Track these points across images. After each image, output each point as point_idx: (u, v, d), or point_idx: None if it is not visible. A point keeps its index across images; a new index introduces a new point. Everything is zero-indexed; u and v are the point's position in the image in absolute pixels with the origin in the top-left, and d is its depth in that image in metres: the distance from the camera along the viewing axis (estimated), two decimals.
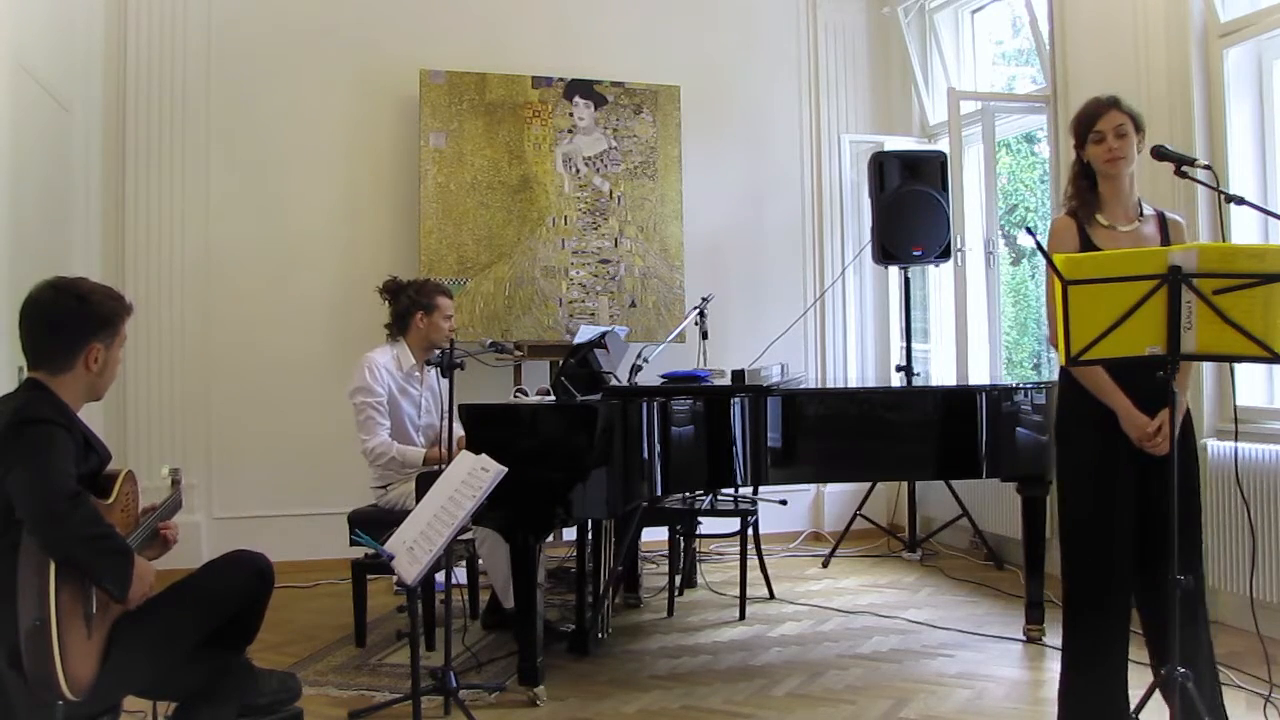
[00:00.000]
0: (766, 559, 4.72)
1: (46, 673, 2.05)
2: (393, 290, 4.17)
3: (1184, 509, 2.53)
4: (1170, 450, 2.35)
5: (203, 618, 2.42)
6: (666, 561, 4.58)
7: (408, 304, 4.11)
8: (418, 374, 4.14)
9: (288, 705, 2.70)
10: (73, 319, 2.29)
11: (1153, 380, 2.31)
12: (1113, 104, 2.66)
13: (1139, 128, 2.66)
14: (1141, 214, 2.70)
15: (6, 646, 2.09)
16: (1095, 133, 2.65)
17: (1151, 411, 2.54)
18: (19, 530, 2.09)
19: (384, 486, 4.02)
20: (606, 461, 3.26)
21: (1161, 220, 2.70)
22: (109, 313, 2.34)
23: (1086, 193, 2.71)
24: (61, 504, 2.08)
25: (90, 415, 2.42)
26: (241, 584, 2.51)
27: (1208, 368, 3.85)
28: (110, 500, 2.31)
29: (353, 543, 3.59)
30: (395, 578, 2.87)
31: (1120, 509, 2.59)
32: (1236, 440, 2.81)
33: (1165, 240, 2.66)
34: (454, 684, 3.06)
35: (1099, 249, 2.61)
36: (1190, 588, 2.30)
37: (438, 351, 3.79)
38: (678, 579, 4.50)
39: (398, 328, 4.15)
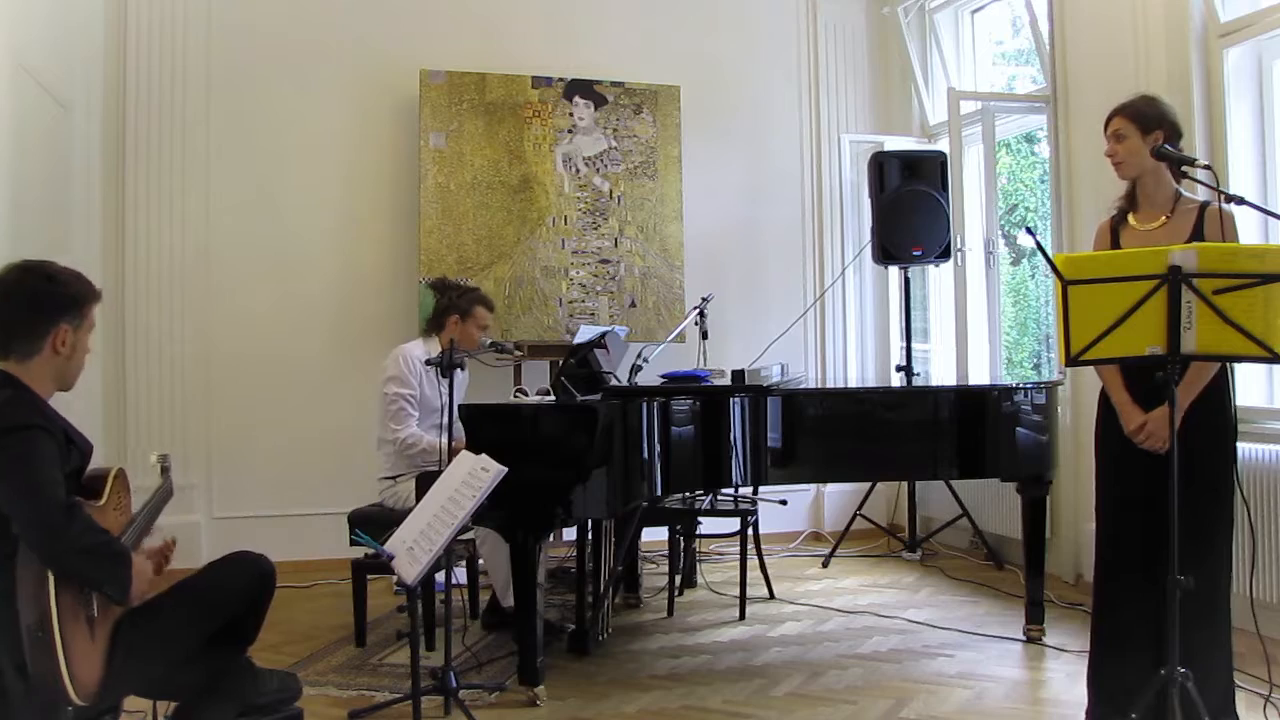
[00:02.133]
0: (766, 559, 4.72)
1: (53, 680, 2.03)
2: (440, 287, 4.24)
3: (1206, 510, 2.54)
4: (1172, 449, 2.35)
5: (204, 618, 2.41)
6: (666, 561, 4.58)
7: (447, 304, 4.16)
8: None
9: (288, 705, 2.69)
10: (40, 298, 2.26)
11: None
12: (1117, 110, 2.70)
13: (1147, 128, 2.65)
14: (1173, 209, 2.67)
15: (11, 655, 2.07)
16: (1107, 138, 2.71)
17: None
18: (14, 540, 2.07)
19: (393, 478, 4.02)
20: (606, 461, 3.26)
21: (1201, 212, 2.65)
22: (76, 294, 2.31)
23: (1130, 194, 2.75)
24: (57, 516, 2.05)
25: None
26: (243, 585, 2.50)
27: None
28: (102, 502, 2.28)
29: (353, 543, 3.60)
30: (395, 578, 2.87)
31: (1132, 502, 2.61)
32: (1236, 440, 2.80)
33: (1197, 234, 2.61)
34: (454, 684, 3.06)
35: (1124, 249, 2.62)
36: (1190, 588, 2.30)
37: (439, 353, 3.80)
38: (678, 579, 4.50)
39: (434, 325, 4.18)
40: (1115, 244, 2.71)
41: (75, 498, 2.15)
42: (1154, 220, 2.69)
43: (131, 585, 2.18)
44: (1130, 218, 2.72)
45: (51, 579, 2.05)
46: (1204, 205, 2.67)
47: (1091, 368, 2.73)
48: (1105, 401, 2.76)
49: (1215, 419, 2.60)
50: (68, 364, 2.31)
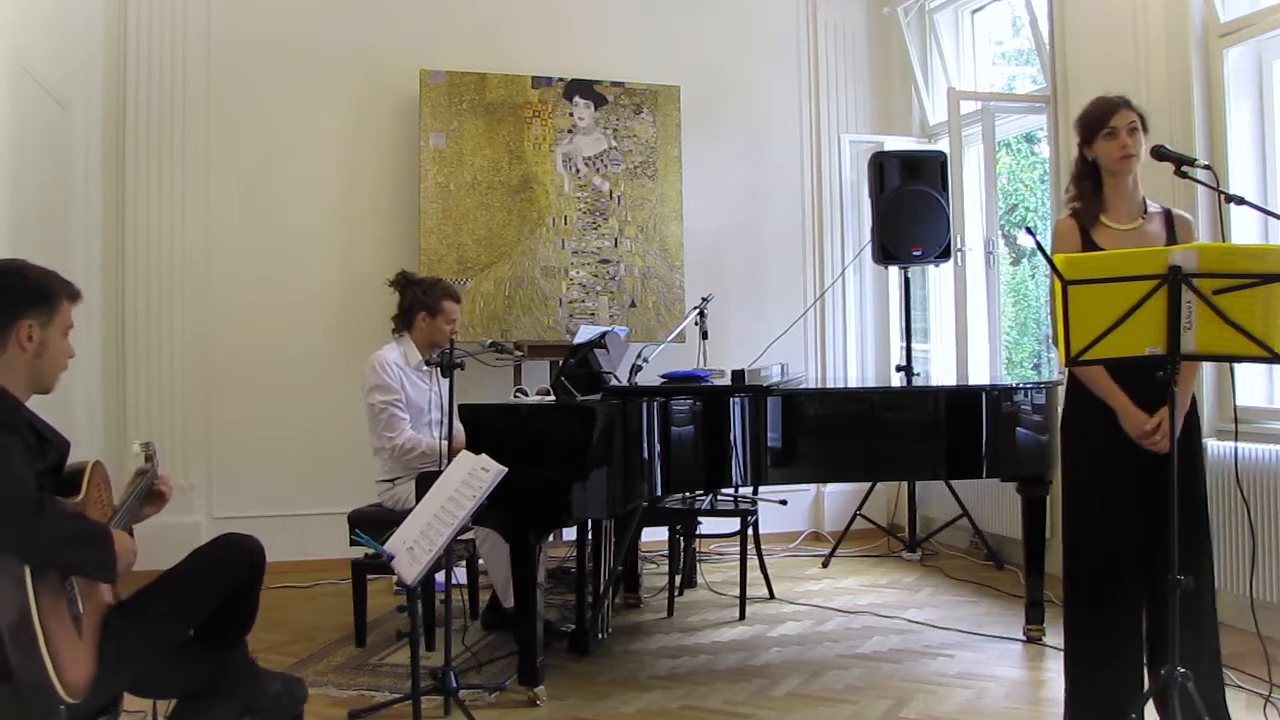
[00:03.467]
0: (766, 559, 4.72)
1: (41, 681, 2.00)
2: (402, 285, 4.20)
3: (1187, 509, 2.54)
4: (1171, 449, 2.35)
5: (192, 606, 2.39)
6: (666, 561, 4.58)
7: (413, 301, 4.14)
8: (424, 369, 4.15)
9: (291, 710, 2.66)
10: (2, 293, 2.22)
11: (1153, 378, 2.32)
12: (1125, 103, 2.69)
13: (1145, 128, 2.68)
14: (1145, 211, 2.71)
15: None
16: (1109, 129, 2.66)
17: (1153, 409, 2.54)
18: None
19: (391, 480, 4.02)
20: (606, 461, 3.26)
21: (1168, 218, 2.70)
22: (39, 287, 2.25)
23: (1091, 192, 2.71)
24: (26, 514, 2.01)
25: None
26: (230, 569, 2.47)
27: (1208, 368, 3.85)
28: (80, 497, 2.25)
29: (353, 543, 3.59)
30: (395, 578, 2.87)
31: (1123, 505, 2.60)
32: (1236, 440, 2.81)
33: (1171, 238, 2.66)
34: (454, 684, 3.06)
35: (1101, 249, 2.61)
36: (1190, 588, 2.30)
37: (438, 352, 3.81)
38: (678, 579, 4.50)
39: (402, 323, 4.17)
40: (1088, 242, 2.68)
41: (46, 494, 2.11)
42: (1130, 221, 2.69)
43: (117, 563, 2.15)
44: (1103, 217, 2.71)
45: (29, 580, 2.02)
46: (1167, 211, 2.72)
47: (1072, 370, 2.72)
48: (1077, 404, 2.73)
49: (1188, 418, 2.61)
50: (38, 362, 2.25)
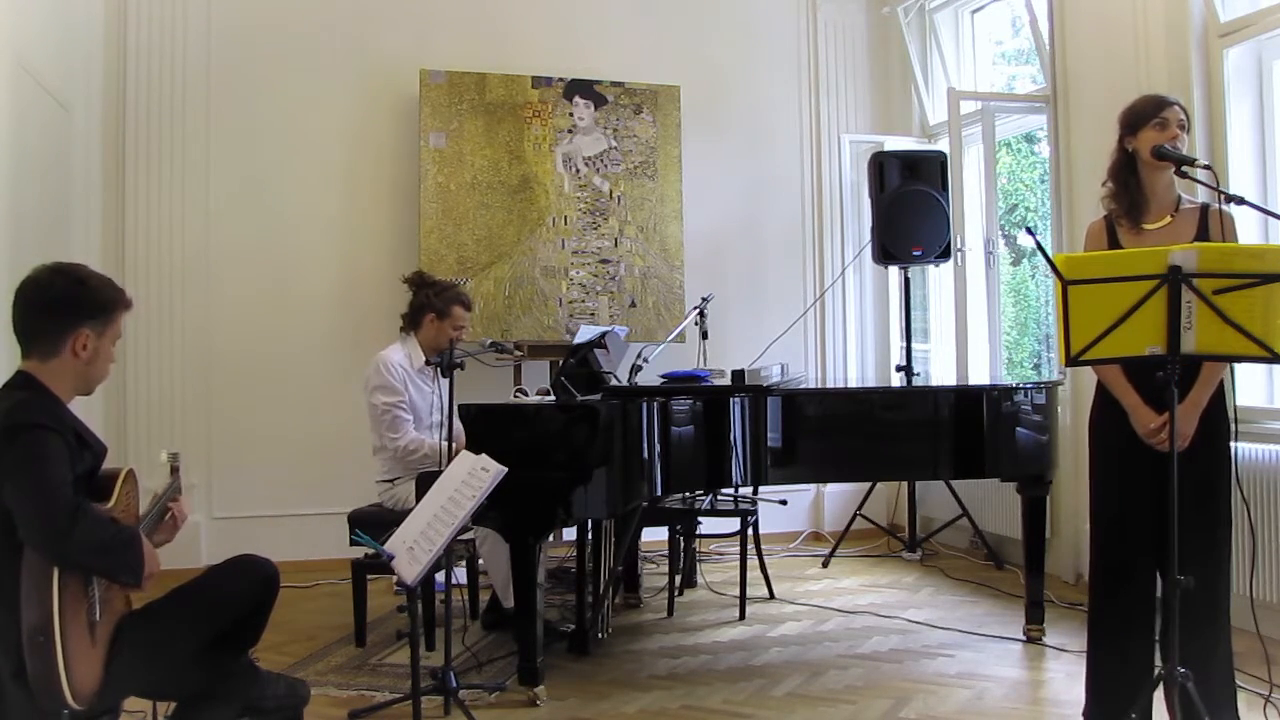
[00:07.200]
0: (766, 559, 4.72)
1: (52, 685, 2.03)
2: (416, 284, 4.20)
3: (1206, 509, 2.54)
4: (1172, 449, 2.35)
5: (204, 623, 2.40)
6: (666, 561, 4.58)
7: (423, 302, 4.14)
8: (428, 370, 4.15)
9: (293, 711, 2.66)
10: (66, 301, 2.25)
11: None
12: (1176, 101, 2.68)
13: (1188, 130, 2.67)
14: (1177, 209, 2.67)
15: (10, 658, 2.07)
16: (1161, 119, 2.63)
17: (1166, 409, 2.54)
18: (16, 538, 2.05)
19: (391, 480, 4.02)
20: (606, 461, 3.26)
21: (1203, 214, 2.65)
22: (104, 300, 2.29)
23: (1129, 187, 2.68)
24: (63, 520, 2.03)
25: (90, 415, 2.40)
26: (244, 589, 2.49)
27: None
28: (111, 504, 2.27)
29: (353, 543, 3.59)
30: (395, 578, 2.87)
31: (1145, 502, 2.60)
32: (1236, 440, 2.80)
33: (1203, 232, 2.61)
34: (454, 684, 3.06)
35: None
36: (1191, 587, 2.30)
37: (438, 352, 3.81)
38: (678, 579, 4.50)
39: (410, 322, 4.17)
40: (1114, 245, 2.68)
41: (83, 500, 2.13)
42: (1159, 219, 2.69)
43: (144, 568, 2.17)
44: (1135, 215, 2.70)
45: (56, 582, 2.04)
46: (1205, 206, 2.67)
47: (1092, 368, 2.72)
48: (1103, 401, 2.75)
49: (1215, 416, 2.61)
50: (88, 368, 2.29)
